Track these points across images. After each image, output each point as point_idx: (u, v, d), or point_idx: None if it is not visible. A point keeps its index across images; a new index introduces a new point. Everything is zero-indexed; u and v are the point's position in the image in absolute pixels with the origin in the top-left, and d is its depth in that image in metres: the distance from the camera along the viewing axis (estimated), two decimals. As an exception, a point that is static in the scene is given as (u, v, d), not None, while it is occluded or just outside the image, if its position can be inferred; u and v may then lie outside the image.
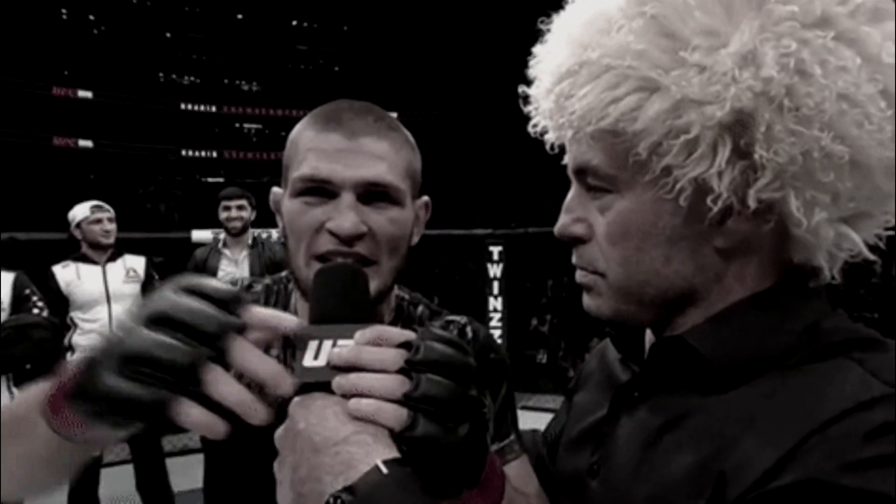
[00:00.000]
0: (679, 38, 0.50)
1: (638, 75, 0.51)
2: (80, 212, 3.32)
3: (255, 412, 0.47)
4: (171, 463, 3.39)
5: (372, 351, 0.49)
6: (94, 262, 3.32)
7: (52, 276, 3.26)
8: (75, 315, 3.28)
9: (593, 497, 0.63)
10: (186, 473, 3.05)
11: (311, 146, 0.74)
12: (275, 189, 0.82)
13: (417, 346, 0.50)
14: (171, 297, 0.48)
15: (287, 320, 0.50)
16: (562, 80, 0.55)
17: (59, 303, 3.24)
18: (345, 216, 0.71)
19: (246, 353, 0.48)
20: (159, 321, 0.47)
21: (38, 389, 0.53)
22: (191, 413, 0.46)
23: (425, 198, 0.84)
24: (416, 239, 0.82)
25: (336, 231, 0.71)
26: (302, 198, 0.74)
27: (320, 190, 0.73)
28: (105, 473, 3.26)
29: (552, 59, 0.57)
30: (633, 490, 0.57)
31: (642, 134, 0.51)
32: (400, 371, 0.49)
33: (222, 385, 0.47)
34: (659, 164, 0.52)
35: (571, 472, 0.68)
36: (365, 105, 0.78)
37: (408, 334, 0.52)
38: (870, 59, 0.49)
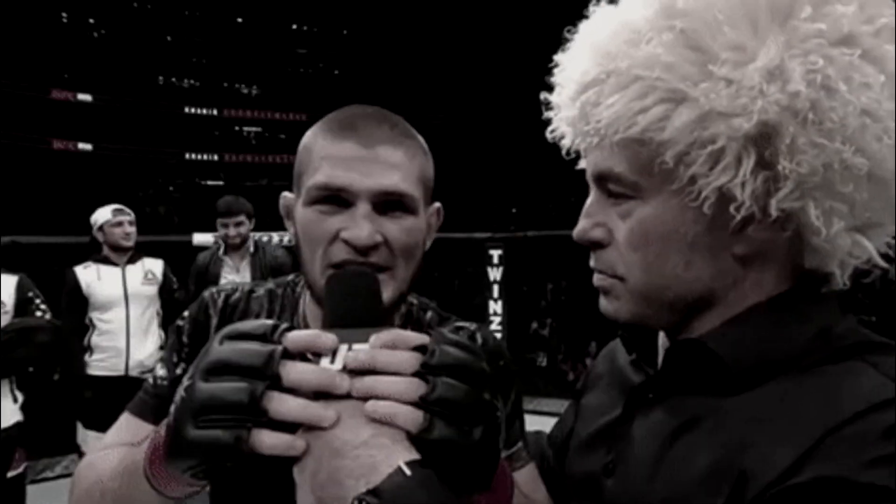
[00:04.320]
0: (707, 51, 0.52)
1: (666, 86, 0.52)
2: (101, 215, 3.39)
3: (324, 416, 0.49)
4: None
5: (387, 354, 0.50)
6: (114, 264, 3.38)
7: (73, 277, 3.30)
8: (94, 315, 3.33)
9: (609, 496, 0.64)
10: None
11: (326, 154, 0.73)
12: (285, 194, 0.82)
13: (433, 350, 0.50)
14: (217, 347, 0.52)
15: (322, 338, 0.52)
16: (587, 89, 0.56)
17: (80, 303, 3.29)
18: (360, 226, 0.70)
19: (295, 371, 0.50)
20: (213, 371, 0.51)
21: (139, 454, 0.59)
22: (265, 441, 0.49)
23: (437, 204, 0.83)
24: (428, 245, 0.82)
25: (352, 241, 0.71)
26: (317, 206, 0.73)
27: (335, 198, 0.72)
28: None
29: (577, 67, 0.58)
30: (649, 489, 0.58)
31: (669, 143, 0.53)
32: (415, 374, 0.50)
33: (284, 406, 0.49)
34: (686, 173, 0.53)
35: (584, 472, 0.69)
36: (378, 111, 0.78)
37: (422, 338, 0.52)
38: (892, 77, 0.51)
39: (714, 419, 0.55)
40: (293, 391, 0.50)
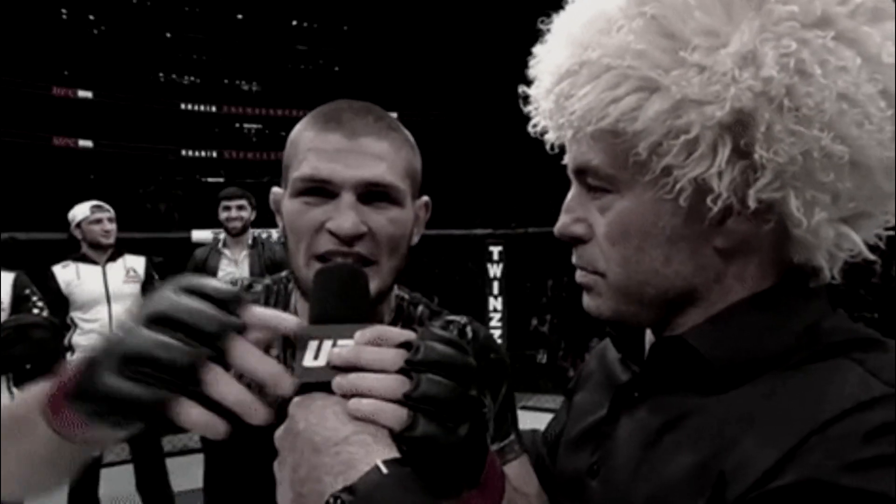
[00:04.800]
0: (679, 38, 0.50)
1: (638, 75, 0.51)
2: (80, 212, 3.32)
3: (255, 412, 0.47)
4: (171, 463, 3.39)
5: (372, 351, 0.49)
6: (94, 262, 3.32)
7: (52, 277, 3.25)
8: (75, 315, 3.28)
9: (593, 497, 0.63)
10: (186, 473, 3.04)
11: (312, 146, 0.74)
12: (275, 189, 0.82)
13: (417, 346, 0.50)
14: (171, 296, 0.48)
15: (287, 320, 0.50)
16: (562, 80, 0.55)
17: (60, 303, 3.24)
18: (345, 216, 0.71)
19: (246, 354, 0.48)
20: (159, 321, 0.47)
21: (39, 389, 0.53)
22: (191, 413, 0.46)
23: (425, 198, 0.84)
24: (416, 239, 0.82)
25: (336, 231, 0.71)
26: (302, 198, 0.74)
27: (320, 190, 0.73)
28: (105, 473, 3.26)
29: (552, 58, 0.57)
30: (633, 490, 0.57)
31: (642, 134, 0.51)
32: (400, 371, 0.49)
33: (222, 385, 0.47)
34: (659, 164, 0.52)
35: (571, 472, 0.68)
36: (365, 105, 0.78)
37: (408, 334, 0.51)
38: (869, 59, 0.49)
39: (697, 418, 0.54)
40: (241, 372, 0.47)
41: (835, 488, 0.44)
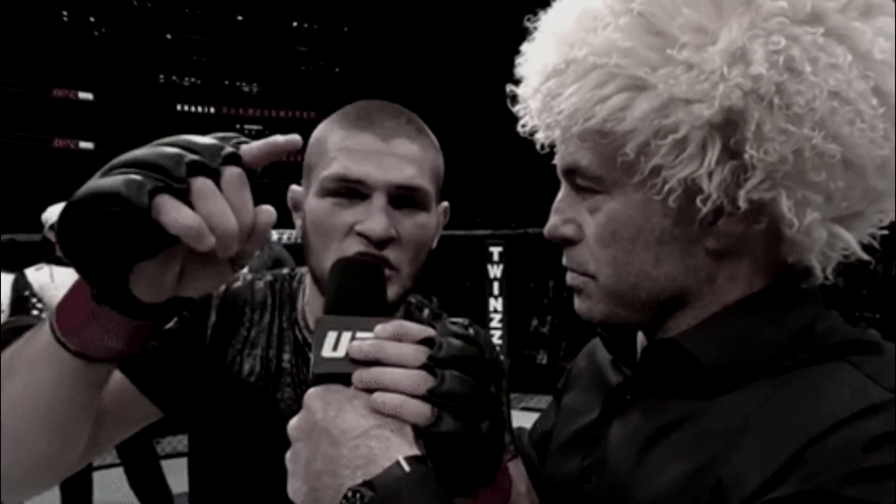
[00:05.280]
0: (667, 35, 0.49)
1: (625, 74, 0.50)
2: (53, 213, 3.21)
3: (205, 239, 0.44)
4: (170, 464, 3.38)
5: (394, 346, 0.49)
6: (68, 265, 3.24)
7: (24, 280, 3.10)
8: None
9: (586, 502, 0.62)
10: (184, 473, 3.03)
11: (343, 146, 0.73)
12: (294, 187, 0.82)
13: (440, 343, 0.49)
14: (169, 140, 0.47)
15: (283, 141, 0.49)
16: (549, 79, 0.54)
17: (32, 307, 3.17)
18: (376, 219, 0.70)
19: (209, 194, 0.45)
20: (163, 145, 0.46)
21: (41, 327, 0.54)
22: (170, 208, 0.43)
23: (445, 203, 0.84)
24: (434, 244, 0.82)
25: (367, 234, 0.70)
26: (331, 198, 0.73)
27: (351, 190, 0.72)
28: (102, 476, 3.25)
29: (539, 57, 0.56)
30: (627, 496, 0.56)
31: (630, 134, 0.50)
32: (421, 367, 0.49)
33: (205, 189, 0.44)
34: (647, 165, 0.51)
35: (562, 475, 0.67)
36: (394, 106, 0.78)
37: (427, 331, 0.51)
38: (861, 56, 0.48)
39: (691, 424, 0.53)
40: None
41: (836, 499, 0.43)
